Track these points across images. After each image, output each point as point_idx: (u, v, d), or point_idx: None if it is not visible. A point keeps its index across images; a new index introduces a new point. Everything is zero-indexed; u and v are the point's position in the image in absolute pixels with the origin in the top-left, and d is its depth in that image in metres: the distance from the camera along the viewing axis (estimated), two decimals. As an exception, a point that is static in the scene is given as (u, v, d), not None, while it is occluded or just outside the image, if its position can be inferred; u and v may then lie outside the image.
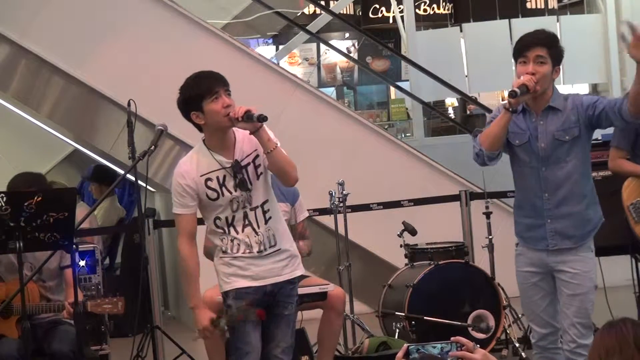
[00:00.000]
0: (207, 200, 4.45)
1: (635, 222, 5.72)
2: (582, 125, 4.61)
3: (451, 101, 14.16)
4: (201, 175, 4.44)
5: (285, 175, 4.48)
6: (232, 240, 4.46)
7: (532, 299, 4.71)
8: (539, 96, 4.59)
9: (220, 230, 4.47)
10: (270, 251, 4.47)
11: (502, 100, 13.79)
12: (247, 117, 4.33)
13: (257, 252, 4.45)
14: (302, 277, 4.72)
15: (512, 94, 4.46)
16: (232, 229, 4.45)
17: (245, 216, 4.45)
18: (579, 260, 4.62)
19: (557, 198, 4.60)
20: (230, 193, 4.43)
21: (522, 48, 4.59)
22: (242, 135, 4.49)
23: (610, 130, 5.80)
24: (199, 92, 4.39)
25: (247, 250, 4.45)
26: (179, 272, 9.11)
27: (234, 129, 4.47)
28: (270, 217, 4.49)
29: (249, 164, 4.47)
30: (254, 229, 4.45)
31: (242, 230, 4.45)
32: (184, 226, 4.54)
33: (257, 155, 4.47)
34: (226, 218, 4.45)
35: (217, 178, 4.44)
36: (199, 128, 4.50)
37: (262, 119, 4.32)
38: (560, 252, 4.63)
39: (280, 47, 13.12)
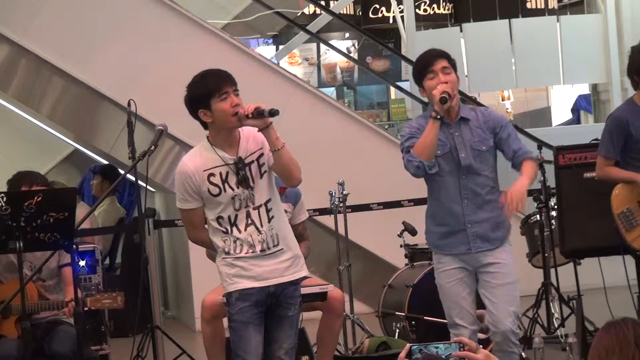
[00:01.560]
0: (209, 196, 4.43)
1: (626, 230, 5.69)
2: (492, 137, 4.88)
3: (451, 101, 14.12)
4: (204, 170, 4.43)
5: (290, 175, 4.48)
6: (234, 241, 4.44)
7: (461, 295, 4.91)
8: (452, 105, 4.79)
9: (223, 230, 4.45)
10: (273, 250, 4.46)
11: (502, 100, 13.80)
12: (258, 113, 4.32)
13: (260, 251, 4.43)
14: (304, 277, 4.71)
15: (443, 99, 4.69)
16: (234, 229, 4.44)
17: (248, 215, 4.44)
18: (503, 252, 4.89)
19: (476, 204, 4.86)
20: (233, 190, 4.42)
21: (427, 64, 4.84)
22: (247, 134, 4.48)
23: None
24: (208, 90, 4.38)
25: (250, 250, 4.43)
26: (182, 271, 9.15)
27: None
28: (273, 216, 4.48)
29: (252, 162, 4.46)
30: (257, 228, 4.44)
31: (245, 229, 4.43)
32: (191, 220, 4.56)
33: (262, 154, 4.47)
34: (229, 217, 4.44)
35: (220, 174, 4.43)
36: (204, 125, 4.49)
37: (274, 113, 4.32)
38: (481, 252, 4.87)
39: (280, 47, 13.11)
